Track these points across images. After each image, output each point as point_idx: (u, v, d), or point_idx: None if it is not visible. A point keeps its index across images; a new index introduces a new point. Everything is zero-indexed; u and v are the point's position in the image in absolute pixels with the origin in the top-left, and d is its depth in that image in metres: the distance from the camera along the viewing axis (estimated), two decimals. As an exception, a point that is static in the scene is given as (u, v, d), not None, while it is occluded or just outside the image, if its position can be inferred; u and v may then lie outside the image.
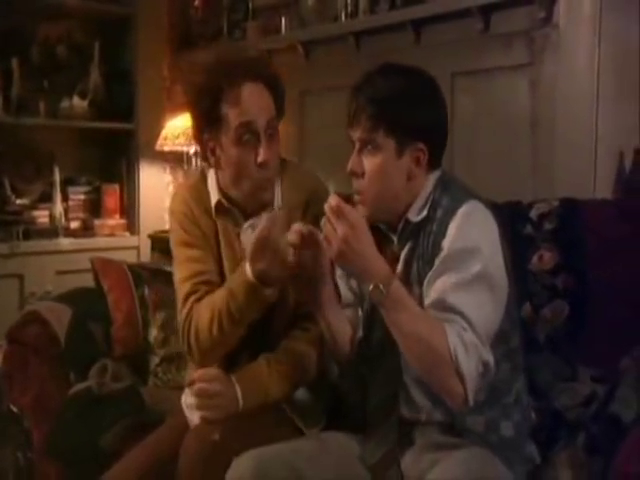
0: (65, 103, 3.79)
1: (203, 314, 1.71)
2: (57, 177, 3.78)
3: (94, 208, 3.96)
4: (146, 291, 2.41)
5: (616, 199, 2.29)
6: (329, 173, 2.19)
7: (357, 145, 1.59)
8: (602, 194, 2.43)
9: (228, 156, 1.75)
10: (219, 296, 1.70)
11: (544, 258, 1.97)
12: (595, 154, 2.47)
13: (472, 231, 1.50)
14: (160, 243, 3.38)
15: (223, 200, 1.82)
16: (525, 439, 1.61)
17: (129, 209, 4.03)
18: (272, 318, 1.79)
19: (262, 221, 1.59)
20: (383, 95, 1.55)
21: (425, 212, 1.57)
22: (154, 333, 2.35)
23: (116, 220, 3.98)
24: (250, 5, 3.59)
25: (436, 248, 1.52)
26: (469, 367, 1.41)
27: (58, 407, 2.20)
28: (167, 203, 4.03)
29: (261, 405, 1.71)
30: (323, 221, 1.51)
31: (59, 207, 3.78)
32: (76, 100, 3.79)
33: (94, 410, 2.12)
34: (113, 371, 2.25)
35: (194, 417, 1.78)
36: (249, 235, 1.80)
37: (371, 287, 1.46)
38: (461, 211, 1.51)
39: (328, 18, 3.21)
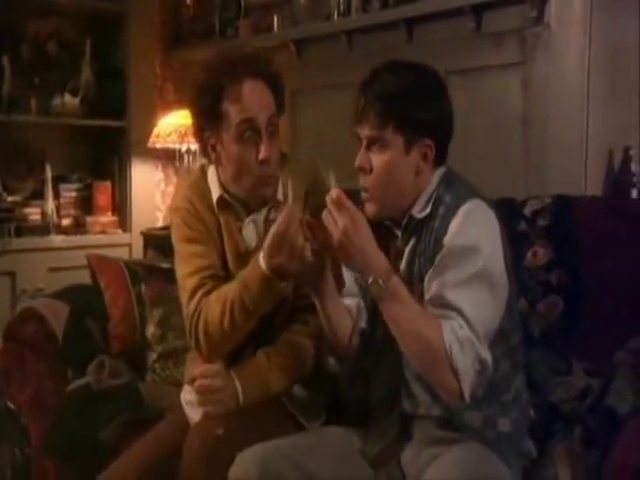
0: (57, 100, 3.77)
1: (213, 307, 1.72)
2: (49, 174, 3.76)
3: (86, 205, 3.94)
4: (143, 288, 2.42)
5: (608, 196, 2.33)
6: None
7: (365, 142, 1.59)
8: (592, 191, 2.47)
9: (229, 153, 1.76)
10: (231, 289, 1.71)
11: (538, 254, 2.00)
12: (586, 152, 2.51)
13: (473, 229, 1.51)
14: (153, 240, 3.38)
15: (225, 195, 1.84)
16: (522, 435, 1.62)
17: (121, 206, 4.02)
18: (274, 311, 1.80)
19: (280, 216, 1.58)
20: (391, 92, 1.56)
21: (428, 209, 1.58)
22: (151, 330, 2.36)
23: (108, 217, 3.96)
24: (242, 3, 3.59)
25: (437, 245, 1.53)
26: (464, 364, 1.43)
27: (56, 404, 2.21)
28: (159, 200, 4.13)
29: (262, 399, 1.73)
30: (325, 213, 1.52)
31: (51, 204, 3.76)
32: (67, 97, 3.77)
33: (93, 406, 2.14)
34: (111, 367, 2.27)
35: (193, 414, 1.80)
36: (251, 229, 1.82)
37: (370, 281, 1.48)
38: (463, 209, 1.52)
39: (320, 16, 3.23)
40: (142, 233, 3.66)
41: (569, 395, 1.76)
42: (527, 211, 2.08)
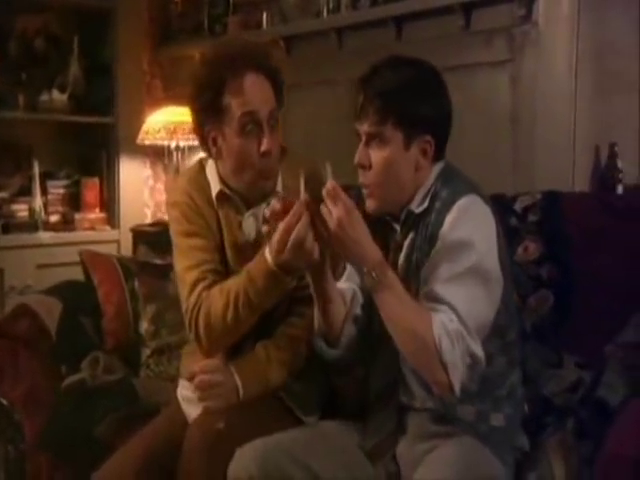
0: (44, 97, 3.76)
1: (216, 301, 1.72)
2: (36, 171, 3.75)
3: (74, 202, 3.94)
4: (136, 284, 2.44)
5: (596, 192, 2.37)
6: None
7: (364, 138, 1.59)
8: (580, 187, 2.51)
9: (231, 146, 1.77)
10: (235, 283, 1.71)
11: (529, 249, 2.04)
12: (573, 149, 2.54)
13: (467, 224, 1.52)
14: (143, 236, 3.38)
15: (224, 189, 1.84)
16: (516, 429, 1.64)
17: (109, 203, 4.01)
18: (275, 305, 1.81)
19: (290, 212, 1.56)
20: (391, 88, 1.56)
21: (426, 203, 1.59)
22: (145, 325, 2.38)
23: (96, 214, 3.96)
24: (231, 0, 3.59)
25: (433, 239, 1.54)
26: (453, 357, 1.44)
27: (50, 400, 2.22)
28: (147, 197, 4.13)
29: (262, 393, 1.74)
30: (321, 206, 1.53)
31: (38, 201, 3.75)
32: (55, 94, 3.76)
33: (88, 402, 2.15)
34: (105, 363, 2.28)
35: (190, 410, 1.82)
36: (251, 223, 1.83)
37: (365, 271, 1.50)
38: (458, 204, 1.53)
39: (310, 14, 3.23)
40: (131, 229, 3.65)
41: (561, 388, 1.79)
42: (518, 207, 2.12)
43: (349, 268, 1.73)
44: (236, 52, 1.78)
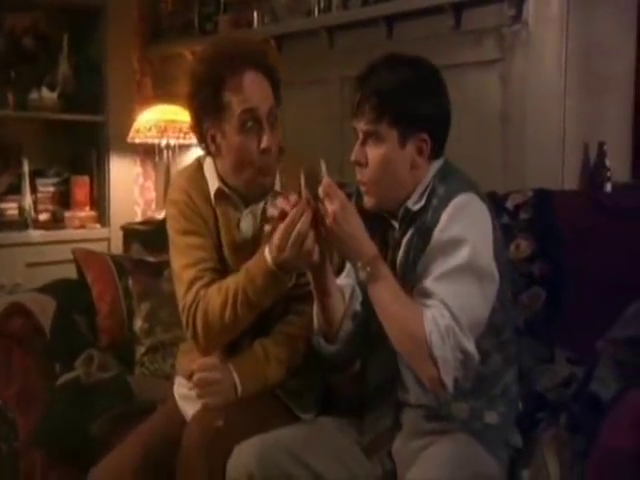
0: (34, 95, 3.76)
1: (214, 299, 1.73)
2: (26, 169, 3.76)
3: (63, 200, 3.94)
4: (130, 282, 2.44)
5: (587, 190, 2.40)
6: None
7: (361, 136, 1.61)
8: (569, 186, 2.54)
9: (230, 143, 1.77)
10: (233, 281, 1.72)
11: (521, 246, 2.06)
12: (563, 147, 2.57)
13: (461, 222, 1.53)
14: (134, 235, 3.39)
15: (223, 187, 1.85)
16: (509, 427, 1.65)
17: (99, 201, 4.02)
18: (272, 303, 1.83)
19: (292, 211, 1.57)
20: (387, 87, 1.57)
21: (423, 201, 1.60)
22: (139, 323, 2.38)
23: (86, 212, 3.96)
24: (222, -2, 3.61)
25: (429, 236, 1.55)
26: (444, 352, 1.45)
27: (44, 398, 2.21)
28: (137, 195, 4.13)
29: (260, 391, 1.76)
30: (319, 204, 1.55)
31: (28, 199, 3.76)
32: (45, 92, 3.76)
33: (83, 399, 2.15)
34: (99, 361, 2.27)
35: (187, 408, 1.83)
36: (249, 221, 1.84)
37: (359, 265, 1.52)
38: (454, 201, 1.54)
39: (301, 13, 3.25)
40: (122, 227, 3.66)
41: (553, 383, 1.81)
42: (509, 204, 2.14)
43: (349, 265, 1.75)
44: (235, 50, 1.79)
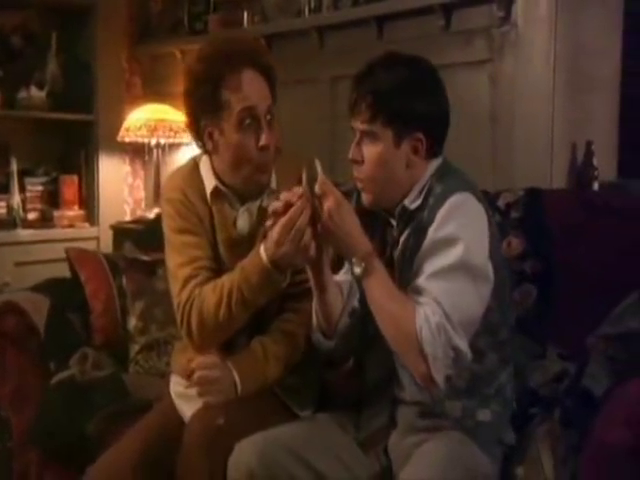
0: (22, 94, 3.76)
1: (209, 297, 1.74)
2: (14, 168, 3.75)
3: (52, 199, 3.94)
4: (124, 280, 2.44)
5: (576, 189, 2.43)
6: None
7: (357, 134, 1.63)
8: (557, 185, 2.58)
9: (229, 141, 1.78)
10: (228, 280, 1.73)
11: (512, 244, 2.07)
12: (552, 147, 2.60)
13: (456, 221, 1.53)
14: (123, 233, 3.39)
15: (219, 185, 1.86)
16: (503, 425, 1.66)
17: (88, 200, 4.01)
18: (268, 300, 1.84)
19: (292, 208, 1.58)
20: (383, 87, 1.59)
21: (420, 200, 1.61)
22: (133, 322, 2.39)
23: (75, 211, 3.96)
24: (211, -2, 3.62)
25: (424, 235, 1.57)
26: (434, 349, 1.46)
27: (38, 397, 2.22)
28: (126, 194, 4.13)
29: (259, 388, 1.77)
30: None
31: (17, 198, 3.75)
32: (34, 90, 3.76)
33: (78, 398, 2.15)
34: (94, 359, 2.28)
35: (183, 406, 1.84)
36: (246, 218, 1.85)
37: (354, 261, 1.54)
38: (450, 200, 1.55)
39: (291, 13, 3.26)
40: (112, 227, 3.66)
41: (545, 379, 1.83)
42: (501, 203, 2.15)
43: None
44: (233, 48, 1.80)
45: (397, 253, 1.65)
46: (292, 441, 1.61)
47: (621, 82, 2.73)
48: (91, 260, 2.50)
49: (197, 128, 1.82)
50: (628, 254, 1.97)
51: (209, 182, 1.87)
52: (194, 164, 1.92)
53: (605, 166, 2.65)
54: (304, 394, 1.87)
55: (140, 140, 3.65)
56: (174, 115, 3.60)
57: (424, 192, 1.62)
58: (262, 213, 1.81)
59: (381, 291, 1.54)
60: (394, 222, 1.67)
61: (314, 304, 1.72)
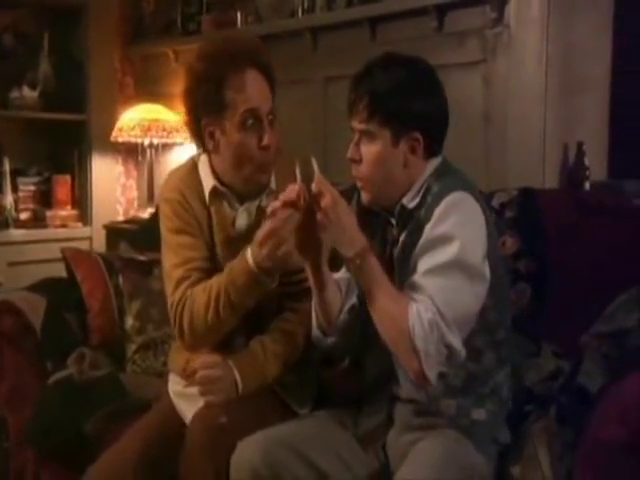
0: (14, 93, 3.76)
1: (199, 299, 1.75)
2: (7, 168, 3.76)
3: (45, 199, 3.95)
4: (120, 280, 2.45)
5: (570, 189, 2.46)
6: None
7: (356, 134, 1.65)
8: (549, 185, 2.60)
9: (231, 140, 1.78)
10: (217, 282, 1.74)
11: (507, 244, 2.09)
12: (544, 147, 2.63)
13: (452, 219, 1.54)
14: (118, 234, 3.40)
15: (218, 185, 1.86)
16: (498, 424, 1.67)
17: (81, 200, 4.02)
18: (264, 300, 1.83)
19: (278, 215, 1.59)
20: (380, 88, 1.60)
21: (418, 199, 1.63)
22: (130, 322, 2.39)
23: (68, 211, 3.97)
24: (204, -2, 3.62)
25: (421, 233, 1.58)
26: (425, 346, 1.47)
27: (35, 396, 2.22)
28: (119, 194, 4.13)
29: (259, 387, 1.78)
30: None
31: (9, 198, 3.76)
32: (26, 90, 3.77)
33: (76, 397, 2.16)
34: (91, 359, 2.28)
35: (182, 404, 1.86)
36: (245, 218, 1.86)
37: (349, 257, 1.55)
38: (446, 199, 1.56)
39: (285, 14, 3.27)
40: (105, 226, 3.67)
41: (540, 377, 1.84)
42: (495, 203, 2.17)
43: None
44: (235, 48, 1.80)
45: (397, 252, 1.67)
46: (294, 439, 1.62)
47: (611, 82, 2.76)
48: (87, 260, 2.51)
49: (197, 127, 1.82)
50: (621, 253, 2.00)
51: (207, 182, 1.88)
52: (193, 164, 1.93)
53: (596, 166, 2.67)
54: (303, 392, 1.88)
55: (133, 140, 3.65)
56: (167, 115, 3.62)
57: (422, 191, 1.64)
58: (261, 213, 1.81)
59: (376, 287, 1.55)
60: (394, 221, 1.69)
61: (313, 302, 1.73)
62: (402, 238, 1.66)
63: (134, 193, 4.18)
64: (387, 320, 1.54)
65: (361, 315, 1.70)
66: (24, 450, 2.24)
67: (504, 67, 2.65)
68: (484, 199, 2.11)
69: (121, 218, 4.01)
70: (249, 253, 1.68)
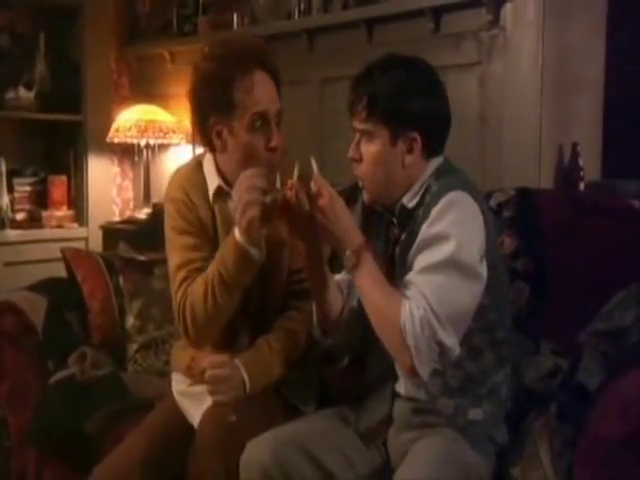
0: (10, 94, 3.77)
1: (197, 289, 1.76)
2: (2, 168, 3.76)
3: (41, 199, 3.95)
4: (121, 280, 2.46)
5: (567, 189, 2.48)
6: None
7: (357, 134, 1.67)
8: (545, 185, 2.63)
9: (238, 140, 1.79)
10: (210, 269, 1.75)
11: (505, 243, 2.11)
12: (540, 147, 2.66)
13: (448, 218, 1.55)
14: (115, 234, 3.41)
15: (223, 185, 1.87)
16: (495, 424, 1.68)
17: (77, 200, 4.03)
18: (267, 298, 1.88)
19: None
20: (379, 91, 1.62)
21: (417, 198, 1.65)
22: (131, 321, 2.41)
23: (64, 211, 3.97)
24: (200, 0, 3.62)
25: (418, 232, 1.60)
26: (416, 342, 1.48)
27: (36, 396, 2.23)
28: (115, 194, 4.14)
29: (265, 386, 1.80)
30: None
31: (5, 199, 3.76)
32: (22, 91, 3.77)
33: (79, 396, 2.17)
34: (92, 358, 2.29)
35: (185, 403, 1.87)
36: None
37: (347, 254, 1.57)
38: (444, 199, 1.57)
39: (281, 15, 3.29)
40: (102, 227, 3.67)
41: (539, 374, 1.86)
42: (493, 203, 2.18)
43: None
44: (243, 49, 1.81)
45: (398, 251, 1.69)
46: (302, 438, 1.64)
47: (605, 83, 2.80)
48: (87, 260, 2.52)
49: (204, 126, 1.82)
50: (617, 253, 2.02)
51: (212, 181, 1.89)
52: (197, 163, 1.94)
53: (590, 167, 2.70)
54: (306, 390, 1.90)
55: (130, 141, 3.66)
56: (164, 116, 3.63)
57: (422, 191, 1.65)
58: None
59: (371, 283, 1.57)
60: (395, 220, 1.71)
61: (314, 303, 1.75)
62: (403, 237, 1.67)
63: (130, 194, 4.19)
64: (380, 317, 1.56)
65: (363, 315, 1.71)
66: (26, 450, 2.25)
67: (500, 69, 2.68)
68: (484, 199, 2.16)
69: (117, 219, 4.01)
70: (235, 229, 1.69)
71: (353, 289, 1.75)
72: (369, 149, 1.65)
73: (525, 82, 2.65)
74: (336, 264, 1.75)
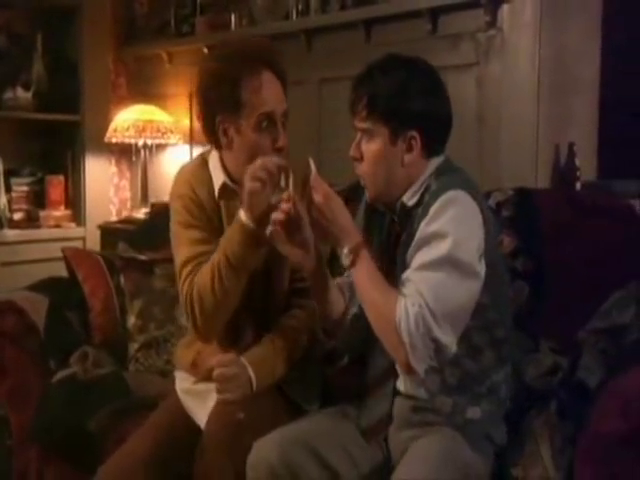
0: (8, 94, 3.77)
1: (204, 277, 1.76)
2: (0, 168, 3.76)
3: (38, 199, 3.96)
4: (122, 279, 2.47)
5: (565, 189, 2.51)
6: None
7: (358, 133, 1.69)
8: (542, 185, 2.65)
9: (245, 139, 1.80)
10: (216, 254, 1.76)
11: (504, 243, 2.11)
12: (537, 147, 2.68)
13: (446, 217, 1.56)
14: (113, 234, 3.41)
15: (228, 182, 1.88)
16: (494, 423, 1.69)
17: (74, 200, 4.03)
18: (271, 296, 1.89)
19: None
20: (379, 91, 1.64)
21: (417, 197, 1.66)
22: (132, 320, 2.41)
23: (61, 211, 3.98)
24: (198, 0, 3.63)
25: (417, 231, 1.61)
26: (411, 339, 1.50)
27: (38, 394, 2.24)
28: (112, 194, 4.15)
29: (270, 384, 1.81)
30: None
31: (3, 198, 3.76)
32: (19, 91, 3.78)
33: (81, 395, 2.18)
34: (94, 358, 2.30)
35: (189, 402, 1.88)
36: None
37: (344, 252, 1.59)
38: (442, 197, 1.58)
39: (279, 16, 3.30)
40: (100, 227, 3.68)
41: (539, 372, 1.87)
42: (491, 202, 2.19)
43: None
44: (250, 50, 1.83)
45: (398, 249, 1.69)
46: (308, 437, 1.65)
47: (600, 84, 2.82)
48: (88, 259, 2.52)
49: (211, 124, 1.83)
50: (616, 252, 2.04)
51: (217, 178, 1.89)
52: (203, 160, 1.94)
53: (585, 166, 2.73)
54: (309, 389, 1.91)
55: (127, 141, 3.67)
56: (161, 116, 3.64)
57: (422, 189, 1.67)
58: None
59: (367, 280, 1.59)
60: (396, 219, 1.72)
61: (317, 305, 1.76)
62: (404, 235, 1.68)
63: (127, 194, 4.20)
64: (376, 312, 1.58)
65: (364, 316, 1.71)
66: (27, 448, 2.24)
67: (497, 69, 2.70)
68: (484, 198, 2.18)
69: (114, 218, 4.02)
70: (241, 212, 1.71)
71: (355, 295, 1.75)
72: (369, 148, 1.67)
73: (522, 82, 2.68)
74: (336, 265, 1.75)
